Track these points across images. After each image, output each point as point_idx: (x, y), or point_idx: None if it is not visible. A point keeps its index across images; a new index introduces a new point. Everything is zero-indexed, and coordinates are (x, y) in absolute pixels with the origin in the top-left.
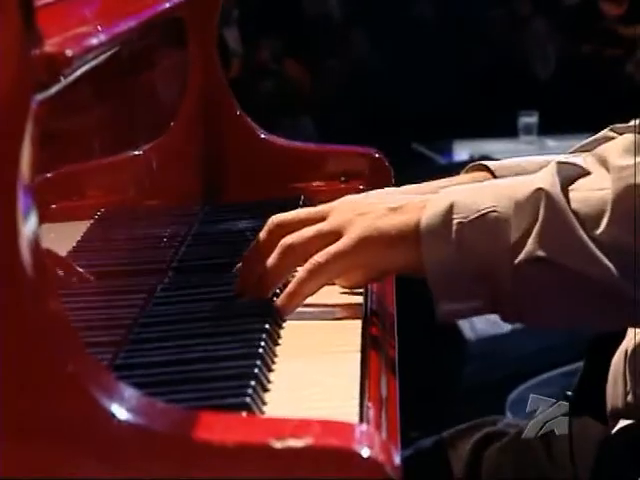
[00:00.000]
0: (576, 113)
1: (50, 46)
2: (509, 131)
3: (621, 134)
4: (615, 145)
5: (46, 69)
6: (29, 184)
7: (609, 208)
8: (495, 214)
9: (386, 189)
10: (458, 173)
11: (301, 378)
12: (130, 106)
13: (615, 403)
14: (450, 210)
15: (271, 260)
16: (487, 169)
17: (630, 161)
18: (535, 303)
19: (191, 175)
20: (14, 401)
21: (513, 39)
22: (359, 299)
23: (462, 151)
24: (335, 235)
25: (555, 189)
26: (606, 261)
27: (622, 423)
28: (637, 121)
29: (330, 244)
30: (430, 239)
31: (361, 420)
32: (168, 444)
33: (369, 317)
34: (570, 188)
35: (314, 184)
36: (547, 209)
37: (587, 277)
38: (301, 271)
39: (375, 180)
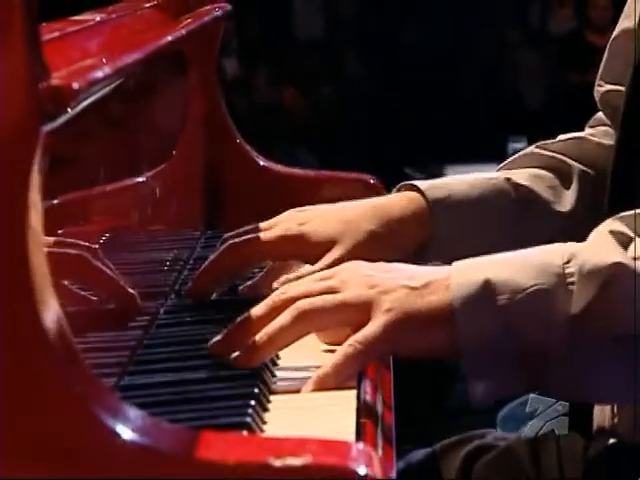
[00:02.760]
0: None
1: (57, 79)
2: (499, 156)
3: (547, 149)
4: None
5: (53, 101)
6: (38, 212)
7: None
8: (543, 291)
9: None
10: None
11: (299, 398)
12: (134, 134)
13: (601, 422)
14: (488, 287)
15: (283, 322)
16: (417, 189)
17: None
18: (601, 381)
19: (192, 201)
20: (21, 422)
21: (503, 68)
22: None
23: (453, 175)
24: (358, 311)
25: (629, 260)
26: None
27: (608, 441)
28: None
29: (351, 321)
30: (468, 321)
31: (358, 438)
32: (171, 463)
33: None
34: (633, 256)
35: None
36: (627, 283)
37: None
38: (338, 355)
39: None
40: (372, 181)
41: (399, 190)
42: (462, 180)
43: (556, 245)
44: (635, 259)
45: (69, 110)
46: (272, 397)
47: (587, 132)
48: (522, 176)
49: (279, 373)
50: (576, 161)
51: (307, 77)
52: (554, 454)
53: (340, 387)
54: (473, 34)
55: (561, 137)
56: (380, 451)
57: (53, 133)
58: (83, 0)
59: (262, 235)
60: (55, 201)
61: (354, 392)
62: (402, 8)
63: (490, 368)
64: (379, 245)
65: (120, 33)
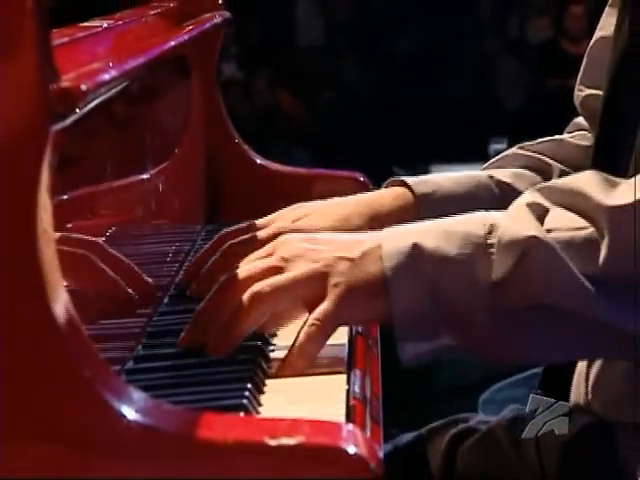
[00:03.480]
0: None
1: (66, 81)
2: (481, 156)
3: (529, 150)
4: (586, 178)
5: (62, 102)
6: (48, 207)
7: (604, 248)
8: (466, 260)
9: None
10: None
11: (293, 381)
12: (138, 134)
13: (577, 401)
14: (415, 255)
15: (241, 311)
16: (405, 184)
17: (619, 200)
18: (521, 343)
19: (193, 197)
20: (34, 404)
21: (485, 74)
22: None
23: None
24: (311, 288)
25: (544, 234)
26: (605, 300)
27: (584, 420)
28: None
29: (306, 297)
30: (398, 289)
31: (347, 420)
32: (173, 442)
33: (355, 334)
34: (547, 228)
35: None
36: (541, 254)
37: (587, 317)
38: (302, 337)
39: None
40: (362, 179)
41: (388, 186)
42: (448, 177)
43: (478, 215)
44: (549, 231)
45: (77, 110)
46: (267, 380)
47: (566, 135)
48: (505, 174)
49: (274, 354)
50: (555, 161)
51: (303, 81)
52: (532, 437)
53: (331, 372)
54: (458, 44)
55: (541, 139)
56: (368, 432)
57: (62, 132)
58: (91, 7)
59: (258, 234)
60: (65, 196)
61: (344, 377)
62: (394, 21)
63: (419, 331)
64: None
65: (126, 39)
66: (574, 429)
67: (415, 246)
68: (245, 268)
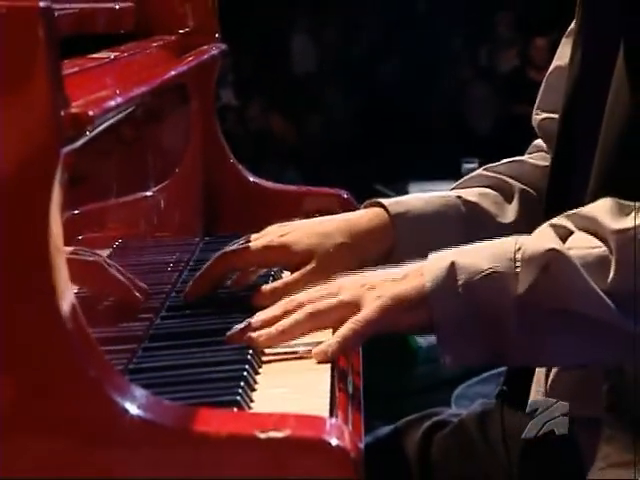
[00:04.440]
0: None
1: (76, 107)
2: (454, 175)
3: (492, 171)
4: (601, 206)
5: (72, 126)
6: (59, 222)
7: (613, 264)
8: (497, 274)
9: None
10: None
11: (282, 380)
12: (142, 154)
13: (535, 397)
14: (452, 270)
15: (295, 318)
16: (381, 205)
17: (624, 225)
18: (539, 348)
19: (193, 212)
20: (44, 400)
21: (458, 100)
22: None
23: (415, 191)
24: (353, 306)
25: (563, 248)
26: (613, 306)
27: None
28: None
29: (348, 315)
30: (437, 299)
31: (331, 414)
32: (172, 435)
33: None
34: (569, 246)
35: (294, 219)
36: (560, 265)
37: (599, 321)
38: (335, 336)
39: None
40: (346, 196)
41: (367, 207)
42: (420, 197)
43: (512, 237)
44: (569, 249)
45: (86, 134)
46: (258, 377)
47: (526, 156)
48: (471, 194)
49: (269, 350)
50: (517, 180)
51: (293, 107)
52: (499, 427)
53: (317, 369)
54: (433, 72)
55: (504, 161)
56: (350, 425)
57: (72, 153)
58: (100, 40)
59: (249, 245)
60: (75, 211)
61: (328, 374)
62: (376, 52)
63: (456, 339)
64: (350, 254)
65: (131, 68)
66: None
67: (453, 263)
68: (306, 294)
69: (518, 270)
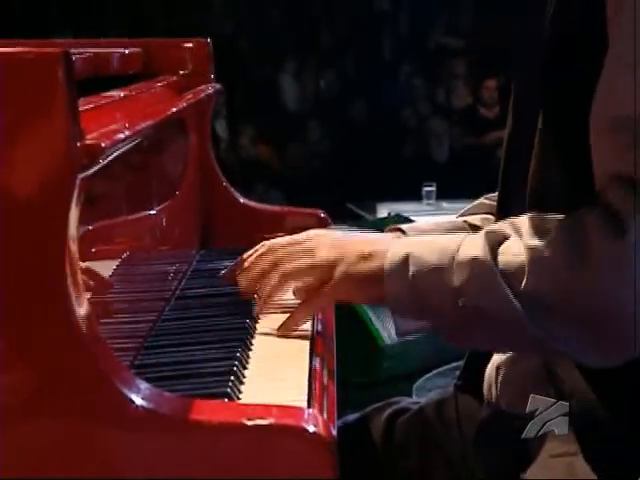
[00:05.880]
0: (462, 184)
1: (90, 139)
2: (416, 197)
3: (491, 200)
4: (527, 222)
5: (87, 156)
6: (75, 238)
7: (526, 272)
8: (439, 269)
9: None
10: (377, 225)
11: (267, 375)
12: (147, 179)
13: (489, 396)
14: (406, 261)
15: (273, 282)
16: (400, 230)
17: (537, 241)
18: (469, 332)
19: (190, 228)
20: (63, 389)
21: (419, 132)
22: (308, 324)
23: (383, 210)
24: (322, 273)
25: (486, 257)
26: (521, 309)
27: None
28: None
29: (316, 281)
30: (391, 282)
31: (309, 405)
32: (171, 422)
33: (315, 336)
34: (498, 252)
35: (278, 235)
36: (482, 272)
37: (510, 321)
38: (301, 305)
39: None
40: (322, 215)
41: (389, 231)
42: (432, 222)
43: (459, 235)
44: (499, 254)
45: (99, 162)
46: (246, 372)
47: None
48: (475, 219)
49: (258, 337)
50: None
51: (277, 138)
52: (454, 412)
53: (296, 366)
54: (398, 108)
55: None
56: (325, 414)
57: (87, 178)
58: (111, 80)
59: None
60: (89, 227)
61: (307, 369)
62: (349, 91)
63: (403, 315)
64: None
65: (138, 105)
66: (486, 415)
67: (408, 254)
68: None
69: (454, 269)
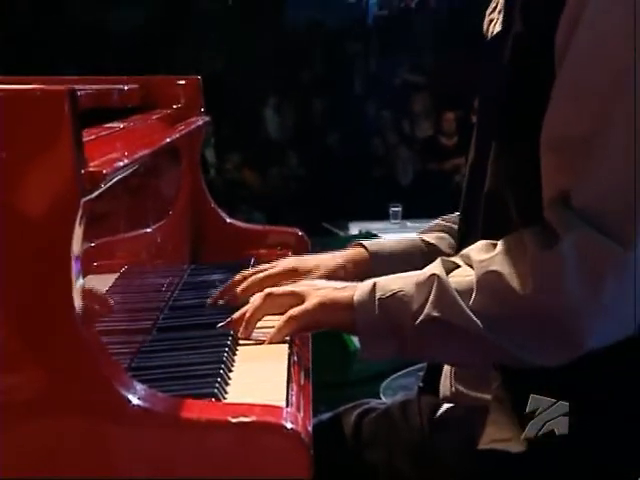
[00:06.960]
0: (425, 205)
1: (92, 167)
2: (383, 216)
3: (447, 221)
4: (475, 246)
5: (90, 182)
6: (79, 254)
7: (475, 288)
8: (402, 293)
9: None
10: (349, 241)
11: (250, 377)
12: (144, 201)
13: (445, 392)
14: (374, 288)
15: (257, 301)
16: (362, 245)
17: (484, 256)
18: (430, 348)
19: (182, 244)
20: (68, 390)
21: (386, 159)
22: None
23: (354, 228)
24: (299, 298)
25: (443, 274)
26: (476, 320)
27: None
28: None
29: (294, 303)
30: (360, 306)
31: (287, 404)
32: (164, 420)
33: (293, 342)
34: (450, 275)
35: (261, 251)
36: (439, 286)
37: (465, 330)
38: (280, 321)
39: (299, 249)
40: (300, 233)
41: (352, 246)
42: (393, 240)
43: (430, 266)
44: (451, 276)
45: (101, 187)
46: (231, 374)
47: None
48: (431, 237)
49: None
50: None
51: (260, 164)
52: (416, 411)
53: (276, 369)
54: (367, 138)
55: (456, 214)
56: (302, 412)
57: (90, 202)
58: (112, 113)
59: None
60: (92, 244)
61: (285, 372)
62: (324, 123)
63: (370, 339)
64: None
65: (136, 135)
66: (444, 410)
67: (375, 283)
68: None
69: (415, 289)
